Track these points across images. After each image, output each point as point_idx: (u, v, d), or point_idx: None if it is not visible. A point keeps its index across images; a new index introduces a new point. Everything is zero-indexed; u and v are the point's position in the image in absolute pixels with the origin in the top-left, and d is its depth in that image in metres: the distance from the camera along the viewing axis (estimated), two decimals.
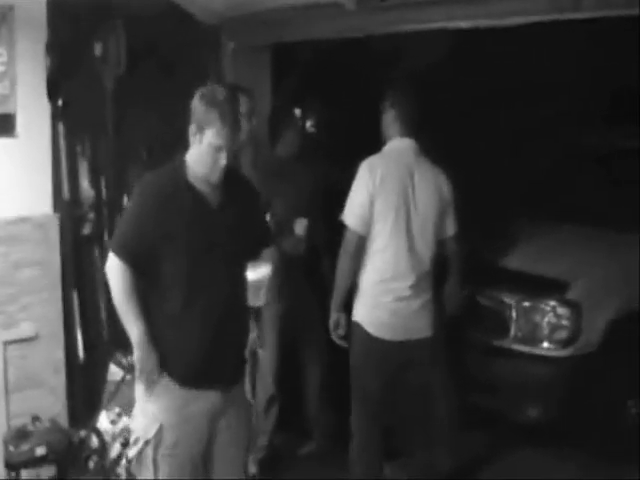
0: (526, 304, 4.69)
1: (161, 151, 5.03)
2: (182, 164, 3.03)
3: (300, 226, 4.38)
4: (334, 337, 3.94)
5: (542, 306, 4.63)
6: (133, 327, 3.03)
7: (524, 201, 5.24)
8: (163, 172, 3.09)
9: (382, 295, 3.89)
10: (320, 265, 4.68)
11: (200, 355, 3.04)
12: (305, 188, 4.52)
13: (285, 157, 4.59)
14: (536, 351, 4.61)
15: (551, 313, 4.61)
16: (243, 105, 4.11)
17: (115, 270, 3.03)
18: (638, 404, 4.84)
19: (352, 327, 3.96)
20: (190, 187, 3.00)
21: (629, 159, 5.34)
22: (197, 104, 2.98)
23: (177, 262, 2.98)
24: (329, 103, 5.01)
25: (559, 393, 4.55)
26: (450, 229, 4.06)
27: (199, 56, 5.16)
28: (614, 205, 5.19)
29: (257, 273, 3.21)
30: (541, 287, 4.67)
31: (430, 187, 3.94)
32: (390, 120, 4.04)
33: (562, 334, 4.59)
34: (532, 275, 4.75)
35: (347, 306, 4.02)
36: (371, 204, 3.81)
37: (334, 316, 3.93)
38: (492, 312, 4.72)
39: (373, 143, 4.06)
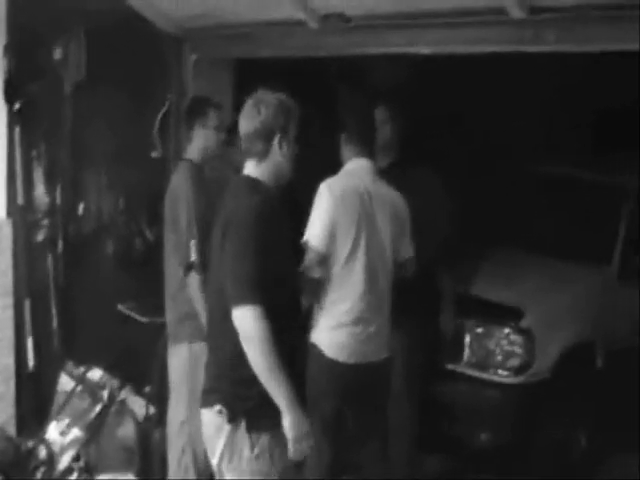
0: (480, 330, 4.79)
1: (119, 158, 5.14)
2: (258, 181, 3.01)
3: None
4: None
5: (496, 333, 4.74)
6: (283, 385, 2.84)
7: (482, 228, 5.30)
8: (256, 197, 2.95)
9: (340, 317, 3.88)
10: None
11: None
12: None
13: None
14: (489, 377, 4.71)
15: (505, 340, 4.72)
16: (212, 119, 4.21)
17: (254, 321, 2.82)
18: (588, 433, 4.98)
19: (309, 348, 3.91)
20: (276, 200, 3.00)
21: (585, 190, 5.51)
22: (277, 114, 2.99)
23: (289, 283, 2.94)
24: None
25: (510, 419, 4.65)
26: (407, 251, 4.09)
27: (161, 66, 5.21)
28: (570, 235, 5.34)
29: None
30: (496, 314, 4.77)
31: (387, 208, 3.97)
32: (346, 141, 4.06)
33: (515, 361, 4.70)
34: (488, 302, 4.84)
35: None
36: (332, 224, 3.81)
37: None
38: (447, 337, 4.80)
39: (336, 162, 4.09)
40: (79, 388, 4.36)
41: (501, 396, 4.67)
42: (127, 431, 4.48)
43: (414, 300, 4.26)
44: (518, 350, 4.69)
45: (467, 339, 4.80)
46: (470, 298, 4.89)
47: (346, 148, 4.08)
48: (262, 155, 3.02)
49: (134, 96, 5.01)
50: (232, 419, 2.93)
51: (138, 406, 4.56)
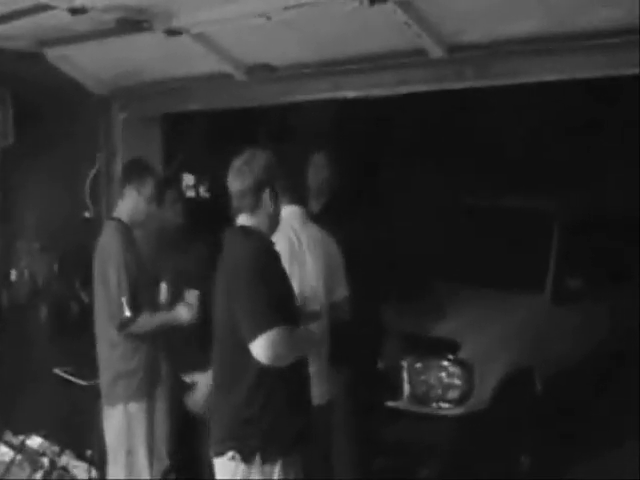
0: (418, 365, 4.86)
1: (52, 221, 5.13)
2: (252, 229, 3.29)
3: (191, 297, 4.34)
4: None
5: (434, 366, 4.82)
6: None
7: (415, 263, 5.42)
8: (253, 243, 3.26)
9: None
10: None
11: None
12: (196, 256, 4.62)
13: (174, 226, 4.70)
14: (430, 411, 4.77)
15: (443, 373, 4.79)
16: (148, 187, 4.22)
17: (278, 341, 3.05)
18: (530, 458, 5.04)
19: None
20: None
21: (514, 218, 5.66)
22: (267, 169, 3.28)
23: (292, 316, 3.21)
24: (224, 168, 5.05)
25: (451, 451, 4.70)
26: (342, 291, 4.14)
27: (90, 127, 5.26)
28: (503, 264, 5.45)
29: None
30: (434, 349, 4.85)
31: (318, 250, 4.03)
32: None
33: (454, 393, 4.77)
34: (424, 337, 4.93)
35: None
36: None
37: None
38: (387, 375, 4.86)
39: None
40: (18, 457, 4.30)
41: (442, 429, 4.71)
42: None
43: (352, 341, 4.28)
44: (457, 382, 4.76)
45: (406, 375, 4.86)
46: (407, 335, 4.96)
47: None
48: (254, 208, 3.28)
49: (64, 158, 5.05)
50: (247, 459, 3.11)
51: (81, 470, 4.53)
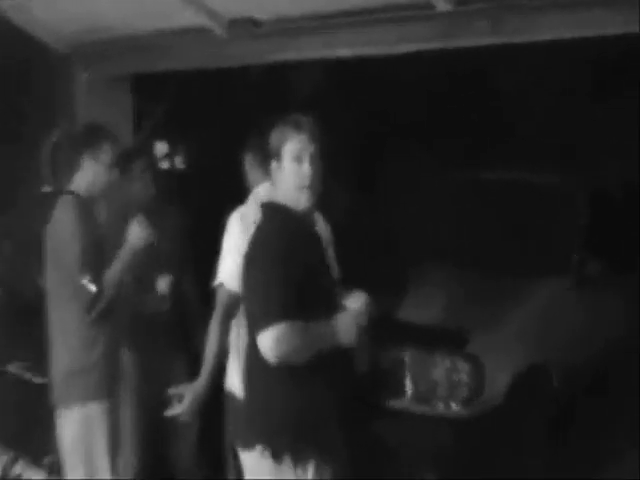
0: (422, 359, 4.50)
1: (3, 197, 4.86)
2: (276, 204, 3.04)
3: (163, 283, 4.17)
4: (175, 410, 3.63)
5: (439, 361, 4.47)
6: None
7: (415, 243, 5.07)
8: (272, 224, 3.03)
9: None
10: (188, 327, 4.40)
11: None
12: (169, 236, 4.28)
13: (144, 200, 4.33)
14: (434, 411, 4.45)
15: (450, 369, 4.44)
16: (106, 153, 3.91)
17: (281, 338, 2.84)
18: (545, 463, 4.67)
19: (225, 398, 3.70)
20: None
21: (536, 195, 5.30)
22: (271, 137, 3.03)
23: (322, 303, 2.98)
24: (202, 137, 4.91)
25: (458, 456, 4.39)
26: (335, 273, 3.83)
27: (48, 88, 4.93)
28: (519, 247, 5.08)
29: None
30: (438, 340, 4.50)
31: None
32: (252, 164, 3.84)
33: (462, 392, 4.43)
34: (429, 327, 4.58)
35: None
36: None
37: (199, 388, 3.52)
38: (388, 370, 4.54)
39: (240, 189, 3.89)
40: None
41: (449, 430, 4.40)
42: None
43: None
44: (465, 378, 4.42)
45: (407, 372, 4.51)
46: (409, 325, 4.62)
47: (253, 171, 3.85)
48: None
49: (17, 124, 4.78)
50: (276, 455, 2.97)
51: (39, 478, 4.32)
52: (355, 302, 2.98)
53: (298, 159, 2.90)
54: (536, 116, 6.68)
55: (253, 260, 2.93)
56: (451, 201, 5.57)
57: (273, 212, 3.00)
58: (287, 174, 2.93)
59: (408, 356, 4.52)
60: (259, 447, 2.96)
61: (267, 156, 3.46)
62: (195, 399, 3.48)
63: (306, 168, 2.90)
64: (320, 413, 2.98)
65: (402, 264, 4.84)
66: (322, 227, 3.72)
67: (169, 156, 4.86)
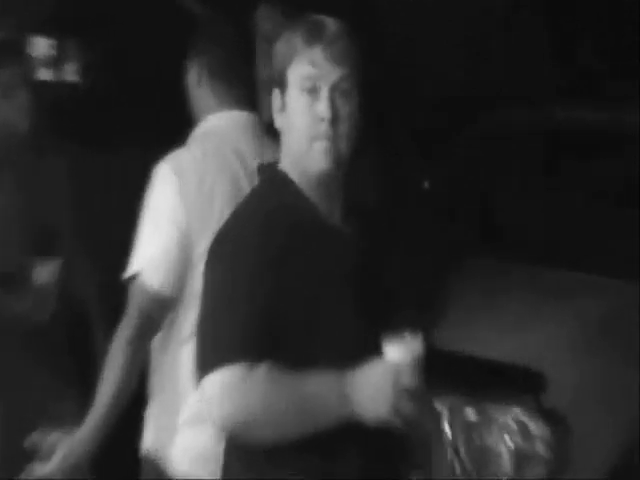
0: (471, 414, 3.37)
1: None
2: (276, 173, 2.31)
3: (45, 273, 3.44)
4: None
5: (499, 418, 3.32)
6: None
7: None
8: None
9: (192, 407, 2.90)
10: (88, 337, 3.67)
11: None
12: (53, 195, 3.61)
13: (13, 133, 3.50)
14: None
15: (516, 432, 3.32)
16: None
17: (235, 389, 2.08)
18: None
19: (141, 466, 3.02)
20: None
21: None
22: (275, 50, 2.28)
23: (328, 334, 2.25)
24: (113, 30, 4.11)
25: None
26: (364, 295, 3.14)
27: None
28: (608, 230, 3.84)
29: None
30: (498, 384, 3.38)
31: None
32: (200, 81, 3.01)
33: (535, 471, 3.30)
34: (480, 361, 3.40)
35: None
36: (182, 245, 2.80)
37: (78, 442, 2.76)
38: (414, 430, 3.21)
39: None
40: None
41: None
42: None
43: None
44: (542, 450, 3.28)
45: (447, 431, 3.42)
46: (447, 357, 3.39)
47: (200, 95, 3.06)
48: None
49: None
50: None
51: None
52: (400, 349, 2.12)
53: (312, 90, 2.14)
54: None
55: (220, 258, 2.28)
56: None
57: (269, 186, 2.31)
58: (293, 114, 2.15)
59: (447, 406, 3.39)
60: None
61: (228, 67, 2.95)
62: (70, 457, 2.72)
63: (324, 105, 2.13)
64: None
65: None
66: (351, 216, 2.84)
67: (54, 61, 3.87)
